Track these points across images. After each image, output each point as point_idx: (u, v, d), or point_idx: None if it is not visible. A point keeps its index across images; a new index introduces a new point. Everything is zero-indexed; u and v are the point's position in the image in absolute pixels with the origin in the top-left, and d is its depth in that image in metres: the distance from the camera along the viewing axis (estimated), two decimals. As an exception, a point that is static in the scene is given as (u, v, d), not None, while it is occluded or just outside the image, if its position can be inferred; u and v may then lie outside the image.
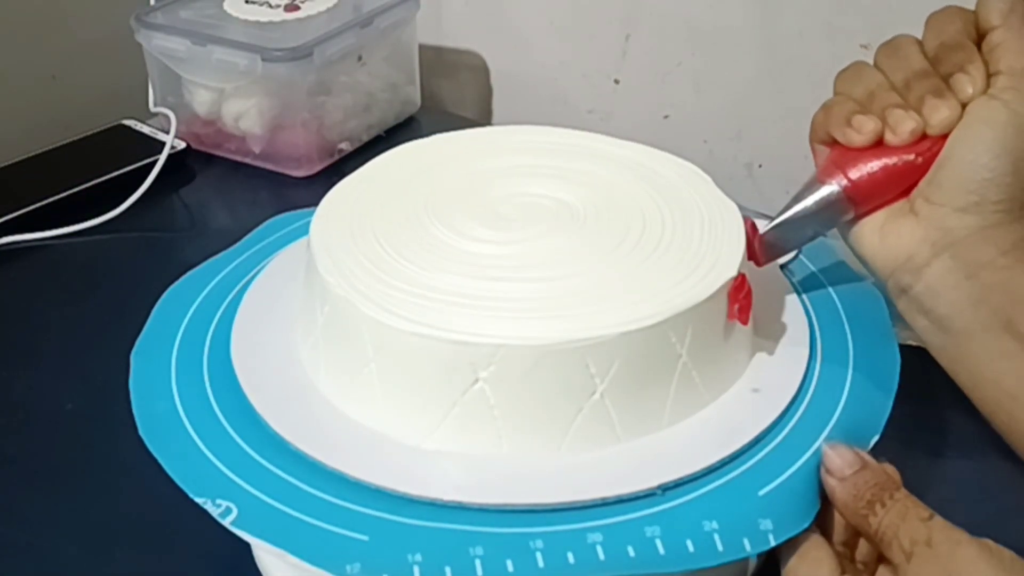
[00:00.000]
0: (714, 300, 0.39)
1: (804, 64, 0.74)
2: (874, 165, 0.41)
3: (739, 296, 0.41)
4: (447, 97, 0.95)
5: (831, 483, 0.36)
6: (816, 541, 0.36)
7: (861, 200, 0.41)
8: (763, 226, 0.44)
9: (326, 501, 0.37)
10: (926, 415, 0.52)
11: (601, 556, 0.34)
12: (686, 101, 0.82)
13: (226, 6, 0.80)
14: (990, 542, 0.33)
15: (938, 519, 0.34)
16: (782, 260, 0.48)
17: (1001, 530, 0.39)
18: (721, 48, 0.78)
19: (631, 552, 0.34)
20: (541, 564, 0.34)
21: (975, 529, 0.34)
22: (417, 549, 0.34)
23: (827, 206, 0.42)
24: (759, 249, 0.44)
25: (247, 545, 0.39)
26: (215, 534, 0.37)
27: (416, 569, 0.34)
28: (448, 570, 0.34)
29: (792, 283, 0.48)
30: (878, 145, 0.41)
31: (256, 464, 0.38)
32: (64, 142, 0.79)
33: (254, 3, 0.80)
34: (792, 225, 0.43)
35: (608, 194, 0.46)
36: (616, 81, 0.84)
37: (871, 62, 0.43)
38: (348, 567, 0.34)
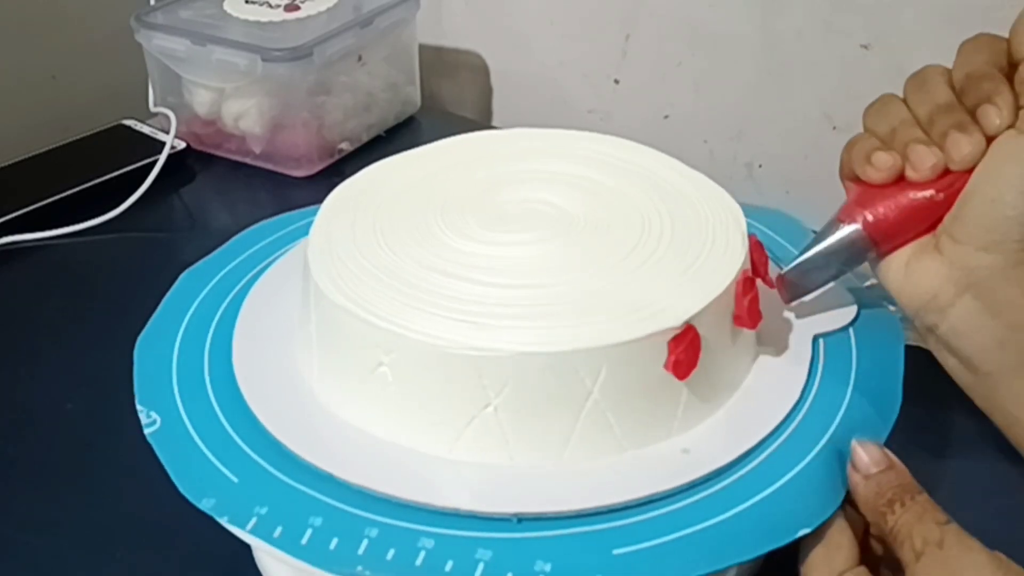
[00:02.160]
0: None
1: (804, 64, 0.74)
2: (895, 203, 0.40)
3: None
4: (447, 97, 0.95)
5: (855, 479, 0.36)
6: (839, 526, 0.36)
7: (883, 239, 0.41)
8: (784, 266, 0.44)
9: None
10: (927, 415, 0.52)
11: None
12: (686, 101, 0.82)
13: (226, 6, 0.80)
14: (1003, 556, 0.33)
15: (954, 525, 0.34)
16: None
17: (1002, 530, 0.39)
18: (721, 48, 0.78)
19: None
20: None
21: (975, 529, 0.34)
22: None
23: (848, 245, 0.41)
24: (779, 287, 0.44)
25: (247, 546, 0.39)
26: (215, 534, 0.37)
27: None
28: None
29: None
30: (900, 182, 0.40)
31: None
32: (64, 142, 0.79)
33: (254, 3, 0.80)
34: (814, 264, 0.43)
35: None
36: (616, 81, 0.84)
37: (892, 95, 0.42)
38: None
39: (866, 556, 0.37)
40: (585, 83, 0.86)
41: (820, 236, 0.42)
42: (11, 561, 0.47)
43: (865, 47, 0.69)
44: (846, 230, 0.41)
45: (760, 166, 0.80)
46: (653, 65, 0.82)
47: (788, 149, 0.76)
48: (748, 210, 0.46)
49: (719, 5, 0.76)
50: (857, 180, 0.42)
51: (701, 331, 0.38)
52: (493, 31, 0.90)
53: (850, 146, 0.42)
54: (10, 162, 0.77)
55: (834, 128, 0.74)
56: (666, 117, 0.83)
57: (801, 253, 0.43)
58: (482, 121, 0.93)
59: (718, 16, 0.77)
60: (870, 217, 0.41)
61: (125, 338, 0.45)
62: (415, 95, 0.87)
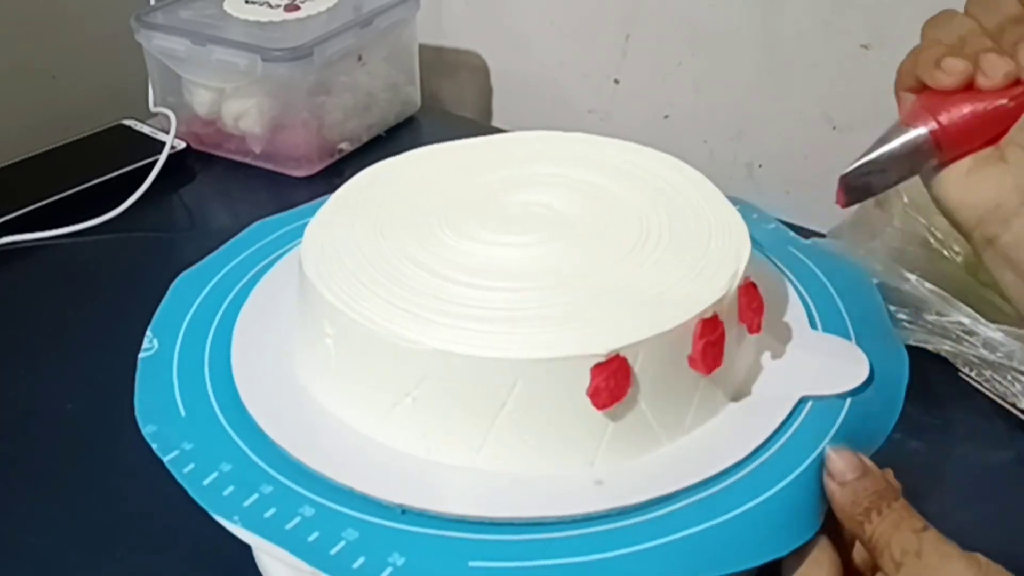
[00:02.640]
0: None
1: (804, 64, 0.74)
2: (964, 109, 0.39)
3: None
4: (447, 97, 0.95)
5: (831, 486, 0.36)
6: (821, 544, 0.36)
7: (949, 144, 0.40)
8: (842, 174, 0.42)
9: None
10: (926, 415, 0.52)
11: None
12: (686, 101, 0.82)
13: (226, 6, 0.80)
14: (980, 557, 0.33)
15: (931, 532, 0.34)
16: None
17: (1001, 530, 0.40)
18: (721, 48, 0.78)
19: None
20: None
21: (975, 529, 0.34)
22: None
23: (913, 150, 0.40)
24: (839, 191, 0.42)
25: (247, 546, 0.39)
26: (216, 535, 0.37)
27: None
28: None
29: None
30: (969, 89, 0.39)
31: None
32: (64, 142, 0.79)
33: (254, 3, 0.80)
34: (875, 167, 0.41)
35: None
36: (616, 81, 0.84)
37: (955, 10, 0.41)
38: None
39: (850, 572, 0.37)
40: (585, 83, 0.86)
41: (883, 139, 0.41)
42: (11, 561, 0.47)
43: (865, 47, 0.69)
44: (913, 133, 0.40)
45: (760, 166, 0.80)
46: (653, 65, 0.82)
47: (788, 149, 0.76)
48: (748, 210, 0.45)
49: (719, 5, 0.76)
50: (921, 88, 0.41)
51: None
52: (493, 31, 0.90)
53: (915, 54, 0.41)
54: (10, 162, 0.77)
55: (834, 128, 0.74)
56: (666, 117, 0.83)
57: (863, 155, 0.41)
58: (482, 121, 0.93)
59: (718, 16, 0.77)
60: (940, 120, 0.40)
61: (125, 338, 0.45)
62: (415, 95, 0.87)
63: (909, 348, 0.44)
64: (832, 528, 0.37)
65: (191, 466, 0.38)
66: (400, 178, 0.48)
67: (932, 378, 0.41)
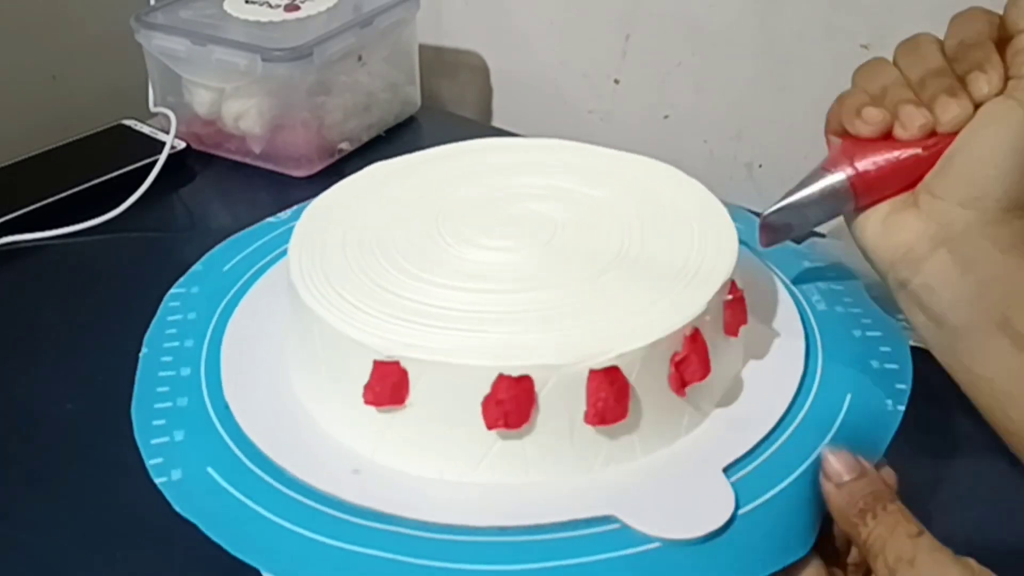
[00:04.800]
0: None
1: (804, 64, 0.74)
2: (881, 157, 0.41)
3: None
4: (447, 97, 0.95)
5: (828, 487, 0.36)
6: (813, 564, 0.36)
7: (865, 190, 0.41)
8: (766, 212, 0.44)
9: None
10: (927, 415, 0.52)
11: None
12: (686, 101, 0.82)
13: (226, 6, 0.80)
14: (972, 562, 0.33)
15: (926, 537, 0.34)
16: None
17: (1001, 531, 0.40)
18: (721, 48, 0.78)
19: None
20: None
21: (975, 530, 0.34)
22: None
23: (831, 194, 0.42)
24: (761, 232, 0.44)
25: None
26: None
27: None
28: None
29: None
30: (887, 138, 0.41)
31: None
32: (64, 142, 0.79)
33: (254, 3, 0.80)
34: (795, 210, 0.43)
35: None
36: (616, 81, 0.84)
37: (884, 58, 0.43)
38: None
39: None
40: (585, 83, 0.86)
41: (804, 182, 0.43)
42: (11, 561, 0.47)
43: (865, 47, 0.69)
44: (832, 178, 0.42)
45: (760, 166, 0.80)
46: (653, 65, 0.82)
47: (788, 149, 0.76)
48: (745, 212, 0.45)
49: (719, 5, 0.76)
50: (844, 134, 0.42)
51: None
52: (493, 31, 0.90)
53: (840, 100, 0.43)
54: (10, 162, 0.77)
55: (834, 128, 0.74)
56: (666, 117, 0.83)
57: (784, 198, 0.43)
58: (482, 121, 0.93)
59: (718, 16, 0.77)
60: (857, 167, 0.41)
61: (125, 338, 0.45)
62: (415, 95, 0.87)
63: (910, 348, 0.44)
64: (825, 549, 0.37)
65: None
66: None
67: (931, 377, 0.41)
